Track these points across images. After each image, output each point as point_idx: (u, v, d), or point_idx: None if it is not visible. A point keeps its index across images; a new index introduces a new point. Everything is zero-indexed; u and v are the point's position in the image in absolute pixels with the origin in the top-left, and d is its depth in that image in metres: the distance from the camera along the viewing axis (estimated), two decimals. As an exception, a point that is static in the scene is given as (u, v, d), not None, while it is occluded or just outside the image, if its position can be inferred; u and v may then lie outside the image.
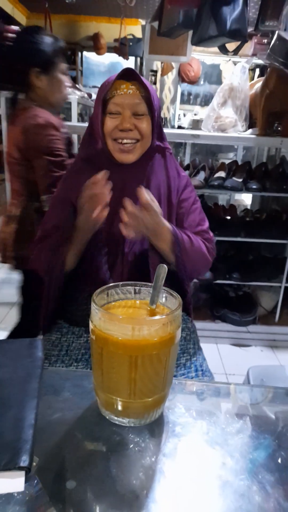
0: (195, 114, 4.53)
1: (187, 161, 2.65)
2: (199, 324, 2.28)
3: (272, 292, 2.51)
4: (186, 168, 2.30)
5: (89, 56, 5.94)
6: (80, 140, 3.06)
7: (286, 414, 0.62)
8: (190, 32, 2.39)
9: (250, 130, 2.19)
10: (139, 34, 4.64)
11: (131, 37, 4.59)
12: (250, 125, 2.25)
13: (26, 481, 0.44)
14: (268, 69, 2.07)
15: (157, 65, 4.25)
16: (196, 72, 4.73)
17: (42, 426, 0.52)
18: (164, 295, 0.59)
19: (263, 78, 2.17)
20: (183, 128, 3.88)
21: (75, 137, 2.58)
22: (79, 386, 0.62)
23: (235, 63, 4.55)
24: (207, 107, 4.70)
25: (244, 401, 0.64)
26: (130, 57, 4.67)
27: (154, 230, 0.95)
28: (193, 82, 4.85)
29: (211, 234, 1.12)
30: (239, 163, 2.41)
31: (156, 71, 4.30)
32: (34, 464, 0.47)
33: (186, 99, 5.33)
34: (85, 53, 5.83)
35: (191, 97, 5.38)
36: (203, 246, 1.06)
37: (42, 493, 0.44)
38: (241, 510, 0.44)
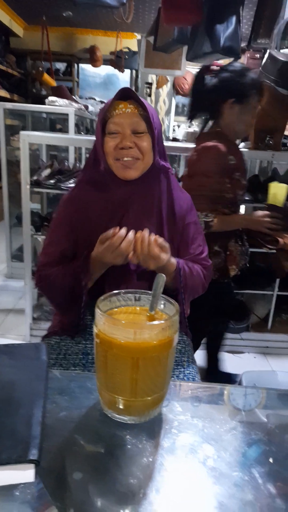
0: (189, 126, 4.62)
1: (181, 172, 2.71)
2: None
3: (265, 300, 2.57)
4: (180, 180, 2.35)
5: (86, 67, 6.03)
6: (76, 151, 3.12)
7: (275, 412, 0.67)
8: (185, 47, 2.48)
9: (242, 144, 2.26)
10: (134, 47, 4.74)
11: (127, 50, 4.69)
12: (243, 139, 2.32)
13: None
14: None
15: (152, 78, 4.35)
16: (190, 85, 4.84)
17: (49, 423, 0.56)
18: (162, 302, 0.63)
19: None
20: (177, 139, 3.97)
21: (71, 149, 2.64)
22: (83, 387, 0.66)
23: (228, 77, 4.67)
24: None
25: (238, 402, 0.69)
26: (125, 70, 4.77)
27: (162, 266, 0.99)
28: (187, 94, 4.95)
29: (210, 261, 1.18)
30: (232, 174, 2.47)
31: (151, 84, 4.40)
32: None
33: (181, 111, 5.44)
34: (81, 65, 5.93)
35: (185, 109, 5.49)
36: (201, 274, 1.12)
37: (44, 492, 0.47)
38: (235, 498, 0.48)
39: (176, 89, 4.88)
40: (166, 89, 4.62)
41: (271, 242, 1.60)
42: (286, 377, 1.45)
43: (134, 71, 5.25)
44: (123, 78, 5.95)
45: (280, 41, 2.15)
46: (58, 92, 3.08)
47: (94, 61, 5.26)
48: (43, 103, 2.91)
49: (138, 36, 4.79)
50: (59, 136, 2.24)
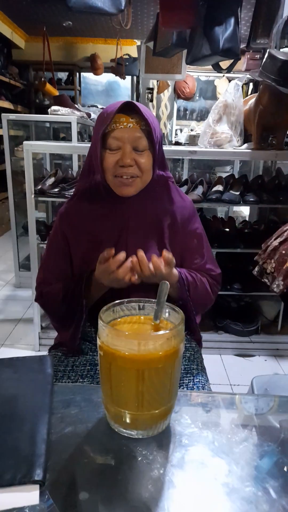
0: (191, 130, 4.62)
1: (185, 175, 2.71)
2: (202, 336, 2.29)
3: (274, 301, 2.53)
4: (184, 183, 2.35)
5: (87, 76, 6.09)
6: (80, 159, 3.13)
7: (288, 422, 0.64)
8: (185, 51, 2.48)
9: (245, 145, 2.24)
10: (135, 54, 4.76)
11: (127, 57, 4.72)
12: (245, 140, 2.30)
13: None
14: (261, 86, 2.14)
15: (153, 83, 4.36)
16: (191, 89, 4.85)
17: (54, 440, 0.54)
18: (167, 311, 0.61)
19: (256, 94, 2.23)
20: (180, 143, 3.96)
21: (75, 157, 2.65)
22: (89, 400, 0.64)
23: (229, 79, 4.67)
24: (203, 122, 4.79)
25: (249, 411, 0.67)
26: (126, 76, 4.79)
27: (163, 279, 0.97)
28: (188, 98, 4.96)
29: (218, 270, 1.13)
30: (236, 175, 2.46)
31: (152, 89, 4.40)
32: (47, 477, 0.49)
33: (182, 115, 5.44)
34: (82, 73, 5.98)
35: (187, 112, 5.49)
36: (207, 285, 1.08)
37: (53, 508, 0.46)
38: (248, 515, 0.46)
39: (177, 93, 4.87)
40: (167, 93, 4.62)
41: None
42: (299, 380, 1.42)
43: (135, 77, 5.26)
44: (125, 85, 5.98)
45: (280, 40, 2.13)
46: (60, 101, 3.10)
47: (95, 69, 5.29)
48: (46, 113, 2.93)
49: (138, 42, 4.81)
50: (62, 145, 2.25)
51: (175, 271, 0.99)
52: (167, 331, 0.52)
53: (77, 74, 5.80)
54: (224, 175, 2.52)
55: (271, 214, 2.75)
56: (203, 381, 1.03)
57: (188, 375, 1.03)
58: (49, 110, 2.86)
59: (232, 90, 2.20)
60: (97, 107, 4.74)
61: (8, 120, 2.84)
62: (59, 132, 4.00)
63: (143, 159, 0.95)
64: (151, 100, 4.55)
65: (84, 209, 1.06)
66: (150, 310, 0.63)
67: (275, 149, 2.12)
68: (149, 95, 4.53)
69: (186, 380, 1.01)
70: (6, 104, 4.68)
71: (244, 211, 3.53)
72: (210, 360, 1.98)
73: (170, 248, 1.05)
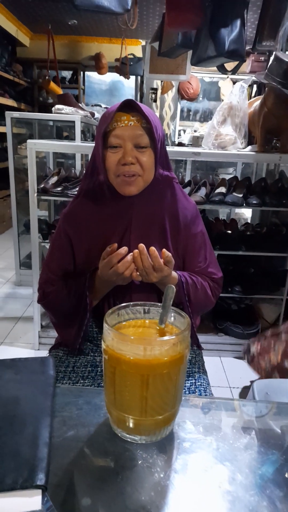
0: (195, 131, 4.61)
1: (188, 177, 2.70)
2: (202, 338, 2.29)
3: (274, 304, 2.52)
4: (188, 184, 2.34)
5: (91, 75, 6.09)
6: (83, 158, 3.13)
7: (292, 429, 0.64)
8: (189, 52, 2.47)
9: (249, 147, 2.24)
10: (139, 54, 4.76)
11: (131, 56, 4.71)
12: (249, 142, 2.30)
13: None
14: (266, 88, 2.13)
15: (157, 83, 4.36)
16: (195, 90, 4.84)
17: (55, 444, 0.53)
18: (172, 315, 0.61)
19: (261, 96, 2.23)
20: (183, 144, 3.96)
21: (78, 156, 2.64)
22: (91, 403, 0.64)
23: (233, 80, 4.67)
24: (206, 123, 4.79)
25: (251, 417, 0.66)
26: (131, 76, 4.78)
27: (163, 281, 0.96)
28: (192, 99, 4.96)
29: (220, 274, 1.13)
30: (239, 177, 2.46)
31: (156, 89, 4.40)
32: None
33: (186, 116, 5.44)
34: (87, 72, 5.98)
35: (190, 113, 5.49)
36: (208, 288, 1.07)
37: (53, 511, 0.45)
38: (251, 525, 0.45)
39: (181, 94, 4.88)
40: (171, 94, 4.61)
41: None
42: (299, 384, 1.41)
43: (139, 77, 5.26)
44: (129, 85, 5.98)
45: (286, 43, 2.13)
46: (64, 99, 3.09)
47: (99, 68, 5.29)
48: (50, 111, 2.92)
49: (143, 42, 4.80)
50: (66, 144, 2.24)
51: (174, 273, 0.99)
52: (173, 337, 0.52)
53: (81, 73, 5.80)
54: (227, 177, 2.52)
55: (273, 216, 2.75)
56: (204, 384, 1.02)
57: (189, 378, 1.02)
58: (53, 108, 2.86)
59: (237, 92, 2.20)
60: (101, 106, 4.74)
61: (12, 118, 2.84)
62: (63, 130, 4.00)
63: (144, 157, 0.95)
64: (155, 100, 4.55)
65: (87, 209, 1.06)
66: (155, 314, 0.62)
67: (279, 152, 2.11)
68: (153, 95, 4.53)
69: (187, 383, 1.01)
70: (9, 102, 4.68)
71: (246, 213, 3.53)
72: (210, 362, 1.98)
73: (173, 250, 1.05)
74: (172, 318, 0.61)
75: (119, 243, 1.01)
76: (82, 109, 3.02)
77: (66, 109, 2.80)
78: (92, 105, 4.84)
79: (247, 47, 2.18)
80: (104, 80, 6.33)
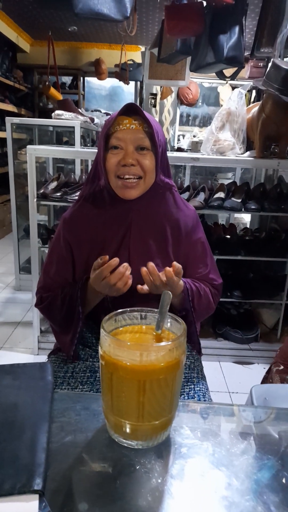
0: (194, 136, 4.64)
1: (187, 181, 2.71)
2: (201, 342, 2.28)
3: (273, 309, 2.53)
4: (186, 189, 2.35)
5: (91, 80, 6.13)
6: (83, 163, 3.14)
7: (288, 434, 0.64)
8: (188, 58, 2.49)
9: (248, 153, 2.25)
10: (139, 59, 4.79)
11: (131, 62, 4.74)
12: (248, 148, 2.31)
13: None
14: (264, 94, 2.15)
15: (156, 88, 4.38)
16: (194, 95, 4.87)
17: (53, 449, 0.54)
18: (169, 321, 0.61)
19: (259, 102, 2.24)
20: (182, 149, 3.98)
21: (78, 162, 2.66)
22: (89, 409, 0.64)
23: (232, 86, 4.70)
24: (205, 128, 4.81)
25: (248, 422, 0.66)
26: (130, 82, 4.81)
27: (170, 289, 0.95)
28: (191, 104, 4.98)
29: (220, 280, 1.13)
30: (238, 182, 2.47)
31: (155, 95, 4.43)
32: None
33: (185, 121, 5.47)
34: (86, 78, 6.02)
35: (189, 118, 5.52)
36: (210, 294, 1.08)
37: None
38: (247, 530, 0.46)
39: (181, 99, 4.90)
40: (170, 99, 4.64)
41: None
42: (298, 390, 1.41)
43: (138, 83, 5.29)
44: (128, 90, 6.01)
45: (284, 50, 2.15)
46: (64, 105, 3.11)
47: (99, 74, 5.32)
48: (50, 117, 2.94)
49: (142, 48, 4.84)
50: (65, 149, 2.26)
51: (180, 281, 0.99)
52: (169, 342, 0.52)
53: (81, 78, 5.84)
54: (225, 182, 2.53)
55: (272, 222, 2.76)
56: (203, 389, 1.02)
57: (188, 383, 1.02)
58: (52, 114, 2.88)
59: (235, 98, 2.22)
60: (101, 111, 4.76)
61: (12, 124, 2.85)
62: (62, 136, 4.02)
63: (145, 159, 0.96)
64: (154, 106, 4.57)
65: (87, 214, 1.06)
66: (152, 320, 0.63)
67: (278, 157, 2.13)
68: (153, 101, 4.56)
69: (186, 388, 1.01)
70: (10, 107, 4.71)
71: (245, 218, 3.54)
72: (209, 367, 1.97)
73: (173, 257, 1.05)
74: (169, 324, 0.61)
75: (118, 248, 1.02)
76: (81, 114, 3.04)
77: (66, 114, 2.82)
78: (92, 111, 4.87)
79: (246, 53, 2.20)
80: (104, 86, 6.37)
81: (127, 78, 4.64)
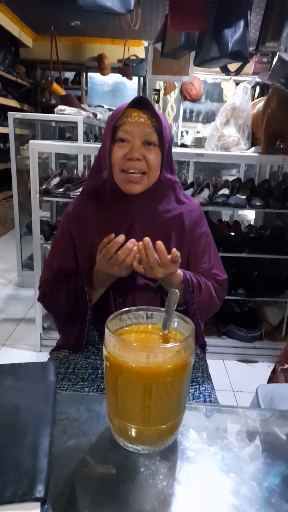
0: (197, 132, 4.60)
1: (191, 178, 2.68)
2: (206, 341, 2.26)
3: (278, 307, 2.50)
4: (190, 185, 2.33)
5: (94, 76, 6.09)
6: (86, 159, 3.12)
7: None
8: (192, 53, 2.46)
9: (252, 148, 2.22)
10: (142, 55, 4.75)
11: (134, 57, 4.70)
12: (253, 144, 2.28)
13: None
14: (270, 89, 2.12)
15: (160, 84, 4.34)
16: (198, 91, 4.83)
17: (56, 454, 0.52)
18: (176, 320, 0.59)
19: (264, 97, 2.21)
20: (186, 145, 3.94)
21: (80, 157, 2.63)
22: (92, 411, 0.62)
23: (236, 82, 4.65)
24: (209, 124, 4.77)
25: (257, 426, 0.64)
26: (133, 77, 4.78)
27: (167, 278, 0.94)
28: (195, 100, 4.94)
29: (224, 275, 1.10)
30: (242, 179, 2.44)
31: (159, 90, 4.39)
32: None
33: (188, 117, 5.42)
34: (89, 73, 5.98)
35: (193, 114, 5.47)
36: (212, 289, 1.05)
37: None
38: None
39: (184, 95, 4.86)
40: (173, 95, 4.60)
41: None
42: (304, 389, 1.39)
43: (142, 78, 5.25)
44: (131, 86, 5.97)
45: (290, 44, 2.11)
46: (67, 100, 3.09)
47: (102, 70, 5.28)
48: (53, 112, 2.92)
49: (146, 43, 4.80)
50: (68, 145, 2.23)
51: (179, 271, 0.97)
52: (177, 344, 0.50)
53: (84, 74, 5.80)
54: (229, 178, 2.50)
55: (277, 219, 2.73)
56: (209, 389, 1.00)
57: (193, 383, 1.01)
58: (55, 109, 2.85)
59: (240, 93, 2.18)
60: (103, 107, 4.73)
61: (14, 119, 2.83)
62: (65, 131, 3.99)
63: (151, 155, 0.94)
64: (158, 102, 4.54)
65: (90, 208, 1.05)
66: (158, 319, 0.60)
67: (283, 153, 2.09)
68: (156, 97, 4.52)
69: (191, 389, 0.99)
70: (12, 103, 4.68)
71: (249, 215, 3.51)
72: (212, 365, 1.96)
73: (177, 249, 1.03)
74: (176, 324, 0.59)
75: (121, 244, 1.00)
76: (84, 110, 3.01)
77: (69, 109, 2.79)
78: (95, 106, 4.84)
79: (250, 49, 2.16)
80: (106, 81, 6.33)
81: (130, 74, 4.60)
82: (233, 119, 2.17)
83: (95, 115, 3.18)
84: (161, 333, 0.58)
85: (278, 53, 2.05)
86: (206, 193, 2.15)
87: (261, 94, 4.43)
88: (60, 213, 3.02)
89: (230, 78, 4.71)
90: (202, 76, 4.73)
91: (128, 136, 0.94)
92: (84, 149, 2.16)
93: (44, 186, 2.12)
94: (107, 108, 4.90)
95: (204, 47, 2.10)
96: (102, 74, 5.37)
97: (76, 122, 2.72)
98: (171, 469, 0.52)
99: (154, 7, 3.90)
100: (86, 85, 5.96)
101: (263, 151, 2.13)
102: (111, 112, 1.02)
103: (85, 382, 0.99)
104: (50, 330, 2.28)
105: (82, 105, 3.34)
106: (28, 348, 2.30)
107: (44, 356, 2.06)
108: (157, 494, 0.49)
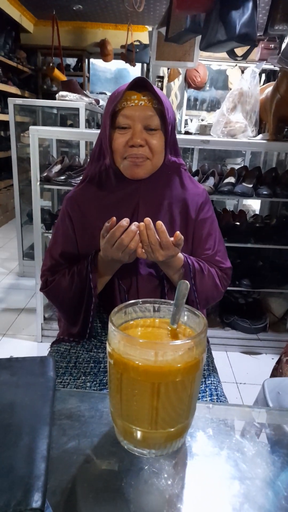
0: (201, 120, 4.51)
1: (195, 166, 2.62)
2: (208, 332, 2.23)
3: (282, 298, 2.46)
4: (195, 173, 2.26)
5: (96, 62, 5.98)
6: (88, 147, 3.05)
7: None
8: (197, 38, 2.38)
9: (260, 135, 2.15)
10: (146, 41, 4.64)
11: (138, 43, 4.59)
12: (260, 130, 2.21)
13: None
14: (279, 73, 2.04)
15: (163, 71, 4.24)
16: (202, 78, 4.72)
17: (55, 456, 0.48)
18: (185, 314, 0.54)
19: (273, 82, 2.13)
20: (190, 133, 3.86)
21: (82, 144, 2.57)
22: (94, 409, 0.58)
23: (241, 69, 4.54)
24: (213, 112, 4.68)
25: (270, 427, 0.60)
26: (136, 64, 4.67)
27: (168, 261, 0.90)
28: (199, 87, 4.83)
29: (228, 263, 1.06)
30: (248, 168, 2.37)
31: (162, 77, 4.28)
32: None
33: (193, 105, 5.31)
34: (92, 59, 5.86)
35: (197, 102, 5.36)
36: (216, 276, 1.00)
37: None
38: None
39: (188, 82, 4.75)
40: (178, 82, 4.49)
41: None
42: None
43: (145, 65, 5.14)
44: (134, 72, 5.86)
45: (301, 26, 2.03)
46: (68, 86, 3.00)
47: (104, 56, 5.17)
48: (54, 99, 2.84)
49: (149, 28, 4.67)
50: (69, 130, 2.17)
51: (180, 255, 0.93)
52: (189, 340, 0.45)
53: (86, 60, 5.68)
54: (235, 167, 2.43)
55: (283, 208, 2.66)
56: (215, 382, 0.97)
57: None
58: (56, 95, 2.77)
59: (248, 78, 2.11)
60: (106, 94, 4.64)
61: (15, 105, 2.76)
62: (67, 119, 3.91)
63: (154, 140, 0.89)
64: (161, 89, 4.44)
65: (92, 195, 1.00)
66: (166, 312, 0.56)
67: (292, 140, 2.03)
68: (159, 84, 4.42)
69: (200, 382, 0.95)
70: (13, 89, 4.59)
71: (254, 204, 3.44)
72: (216, 357, 1.93)
73: (183, 234, 0.99)
74: (185, 318, 0.54)
75: (125, 230, 0.95)
76: (86, 96, 2.94)
77: (70, 96, 2.72)
78: (97, 93, 4.75)
79: (258, 33, 2.08)
80: (109, 68, 6.20)
81: (133, 60, 4.50)
82: (240, 104, 2.10)
83: (97, 101, 3.10)
84: (169, 328, 0.53)
85: (287, 36, 1.97)
86: (211, 181, 2.09)
87: (267, 81, 4.32)
88: (61, 202, 2.97)
89: (236, 65, 4.59)
90: (207, 63, 4.62)
91: (128, 122, 0.88)
92: (86, 135, 2.09)
93: (45, 174, 2.06)
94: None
95: (210, 29, 2.02)
96: (105, 60, 5.25)
97: (78, 109, 2.64)
98: (179, 476, 0.48)
99: (158, -10, 3.78)
100: (88, 72, 5.84)
101: (271, 137, 2.07)
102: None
103: (87, 376, 0.95)
104: (51, 321, 2.25)
105: (84, 92, 3.26)
106: (29, 338, 2.28)
107: (45, 347, 2.03)
108: (165, 503, 0.44)
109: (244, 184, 2.04)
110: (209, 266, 1.00)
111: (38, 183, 1.97)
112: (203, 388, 0.94)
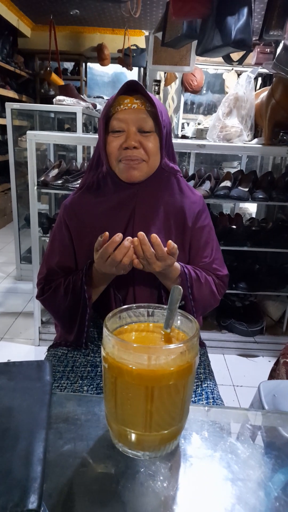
0: (198, 123, 4.54)
1: (191, 170, 2.64)
2: (205, 335, 2.24)
3: (279, 301, 2.48)
4: (192, 177, 2.28)
5: (93, 66, 6.00)
6: (85, 151, 3.06)
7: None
8: (194, 43, 2.40)
9: (255, 140, 2.17)
10: (142, 45, 4.67)
11: (134, 47, 4.62)
12: (256, 135, 2.23)
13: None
14: (274, 78, 2.06)
15: (160, 75, 4.27)
16: (199, 82, 4.75)
17: (51, 460, 0.49)
18: (179, 318, 0.56)
19: (268, 87, 2.16)
20: (187, 137, 3.88)
21: (79, 149, 2.58)
22: (90, 413, 0.59)
23: (238, 73, 4.58)
24: (210, 116, 4.71)
25: (264, 430, 0.61)
26: (133, 68, 4.70)
27: (165, 271, 0.91)
28: (196, 91, 4.87)
29: (225, 271, 1.06)
30: (244, 172, 2.39)
31: (159, 81, 4.31)
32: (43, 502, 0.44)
33: (189, 108, 5.34)
34: (89, 64, 5.89)
35: (194, 106, 5.39)
36: (213, 284, 1.01)
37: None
38: None
39: (185, 86, 4.78)
40: (174, 86, 4.52)
41: None
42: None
43: (142, 69, 5.17)
44: (131, 76, 5.89)
45: (295, 32, 2.06)
46: (66, 90, 3.02)
47: (102, 60, 5.20)
48: (51, 103, 2.86)
49: (146, 33, 4.71)
50: (66, 135, 2.18)
51: (177, 264, 0.93)
52: (181, 344, 0.46)
53: (83, 64, 5.71)
54: (232, 170, 2.45)
55: (279, 212, 2.68)
56: (211, 385, 0.97)
57: (196, 380, 0.97)
58: (54, 100, 2.79)
59: (243, 82, 2.13)
60: (103, 98, 4.66)
61: (12, 110, 2.78)
62: (64, 123, 3.93)
63: (149, 142, 0.90)
64: (158, 93, 4.46)
65: (89, 202, 1.00)
66: (160, 317, 0.57)
67: (287, 145, 2.05)
68: (156, 88, 4.44)
69: (193, 385, 0.96)
70: (10, 94, 4.61)
71: (250, 208, 3.46)
72: (213, 360, 1.93)
73: (177, 243, 1.00)
74: (179, 322, 0.56)
75: (122, 235, 0.96)
76: (83, 100, 2.95)
77: (68, 100, 2.74)
78: (94, 97, 4.77)
79: (254, 38, 2.11)
80: (106, 72, 6.24)
81: (130, 64, 4.53)
82: (235, 109, 2.12)
83: (94, 105, 3.12)
84: (163, 332, 0.54)
85: (282, 41, 1.99)
86: (207, 185, 2.11)
87: (263, 85, 4.36)
88: (58, 206, 2.98)
89: (232, 69, 4.63)
90: (203, 67, 4.65)
91: (122, 125, 0.89)
92: (82, 139, 2.11)
93: (42, 178, 2.07)
94: (107, 99, 4.83)
95: (206, 35, 2.04)
96: (102, 64, 5.28)
97: (75, 113, 2.66)
98: (173, 477, 0.49)
99: (155, -5, 3.82)
100: (86, 76, 5.87)
101: (267, 142, 2.09)
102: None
103: (84, 380, 0.96)
104: (48, 324, 2.26)
105: (81, 96, 3.28)
106: (26, 342, 2.28)
107: (43, 350, 2.03)
108: (161, 505, 0.45)
109: (240, 188, 2.06)
110: (206, 274, 1.01)
111: (36, 188, 1.98)
112: (199, 391, 0.95)
